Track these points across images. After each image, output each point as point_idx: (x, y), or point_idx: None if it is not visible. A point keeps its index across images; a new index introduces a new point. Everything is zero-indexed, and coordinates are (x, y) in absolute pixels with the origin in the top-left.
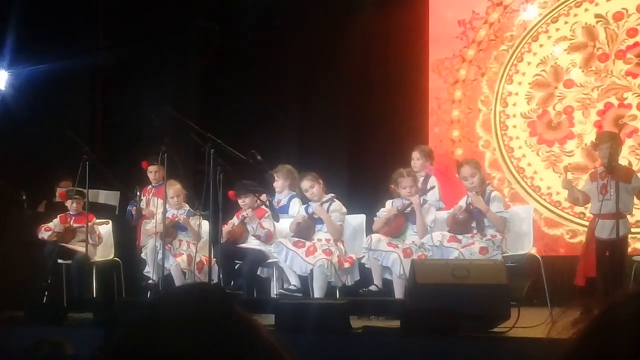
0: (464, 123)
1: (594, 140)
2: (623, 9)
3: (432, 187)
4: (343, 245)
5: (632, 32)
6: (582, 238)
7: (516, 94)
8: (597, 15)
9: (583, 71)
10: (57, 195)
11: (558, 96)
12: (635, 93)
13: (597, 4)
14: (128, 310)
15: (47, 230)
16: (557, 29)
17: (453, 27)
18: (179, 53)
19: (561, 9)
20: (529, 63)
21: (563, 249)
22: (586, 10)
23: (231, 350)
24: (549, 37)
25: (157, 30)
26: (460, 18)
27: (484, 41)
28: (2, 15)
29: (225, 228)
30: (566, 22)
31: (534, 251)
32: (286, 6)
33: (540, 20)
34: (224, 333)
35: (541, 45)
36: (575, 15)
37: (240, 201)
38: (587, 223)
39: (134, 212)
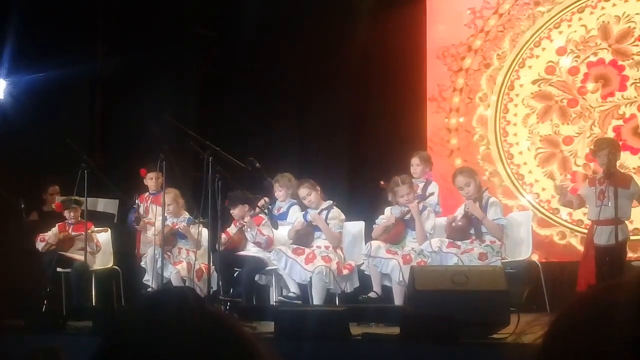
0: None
1: (592, 147)
2: (549, 62)
3: (432, 193)
4: (342, 252)
5: (574, 71)
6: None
7: (536, 180)
8: (534, 82)
9: (568, 123)
10: (52, 205)
11: (569, 154)
12: (627, 103)
13: (525, 75)
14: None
15: (42, 241)
16: (515, 114)
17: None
18: (177, 61)
19: (502, 99)
20: (520, 153)
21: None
22: (521, 85)
23: (203, 347)
24: (515, 124)
25: (156, 38)
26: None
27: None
28: (0, 23)
29: (224, 237)
30: (516, 105)
31: (535, 258)
32: (285, 14)
33: (495, 121)
34: (197, 332)
35: (515, 134)
36: (517, 95)
37: (231, 211)
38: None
39: (134, 217)
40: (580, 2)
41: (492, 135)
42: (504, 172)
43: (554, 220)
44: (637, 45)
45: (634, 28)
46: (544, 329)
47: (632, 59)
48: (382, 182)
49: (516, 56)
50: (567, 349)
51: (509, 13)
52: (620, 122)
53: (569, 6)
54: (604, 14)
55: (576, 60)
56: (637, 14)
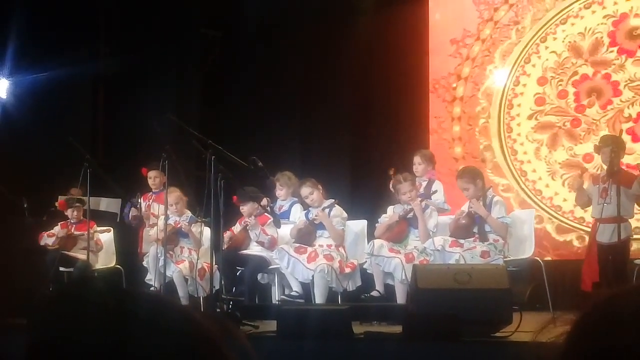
0: None
1: (596, 144)
2: (536, 95)
3: (435, 191)
4: (344, 250)
5: (563, 94)
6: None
7: (572, 206)
8: (529, 117)
9: (581, 142)
10: (57, 204)
11: (595, 170)
12: (628, 104)
13: (518, 115)
14: None
15: (50, 236)
16: (525, 152)
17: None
18: (180, 60)
19: (506, 142)
20: (547, 186)
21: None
22: (519, 125)
23: (118, 334)
24: (530, 162)
25: (159, 37)
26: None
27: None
28: (3, 23)
29: (228, 234)
30: (522, 144)
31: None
32: (287, 14)
33: (508, 165)
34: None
35: (533, 171)
36: (519, 134)
37: (240, 208)
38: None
39: (131, 216)
40: (540, 32)
41: (509, 173)
42: (520, 191)
43: (534, 202)
44: (612, 52)
45: (602, 37)
46: (565, 329)
47: (614, 64)
48: (391, 171)
49: (501, 100)
50: (594, 350)
51: (491, 37)
52: (630, 123)
53: (531, 39)
54: (567, 36)
55: (561, 85)
56: (599, 24)
